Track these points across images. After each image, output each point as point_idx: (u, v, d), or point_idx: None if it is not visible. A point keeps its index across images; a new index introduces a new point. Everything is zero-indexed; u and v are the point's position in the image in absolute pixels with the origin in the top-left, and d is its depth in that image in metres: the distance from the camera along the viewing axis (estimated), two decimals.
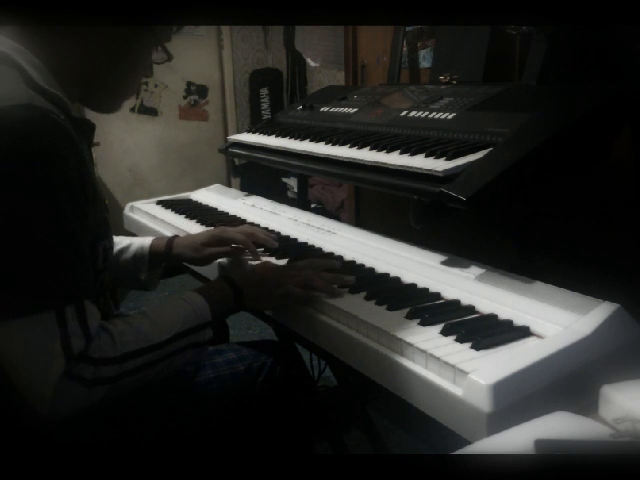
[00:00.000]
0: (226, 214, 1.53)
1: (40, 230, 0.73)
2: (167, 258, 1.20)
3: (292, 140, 1.41)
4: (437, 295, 0.95)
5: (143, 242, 1.20)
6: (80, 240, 0.78)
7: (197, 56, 4.07)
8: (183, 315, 0.87)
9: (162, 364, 0.84)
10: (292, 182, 3.42)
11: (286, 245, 1.23)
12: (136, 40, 0.91)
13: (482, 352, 0.75)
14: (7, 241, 0.71)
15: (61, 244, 0.75)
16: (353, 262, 1.12)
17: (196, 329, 0.88)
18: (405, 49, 1.63)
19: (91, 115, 1.02)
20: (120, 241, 1.19)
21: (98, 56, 0.88)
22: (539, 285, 0.91)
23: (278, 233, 1.32)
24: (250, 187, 3.74)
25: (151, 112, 3.99)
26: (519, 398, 0.67)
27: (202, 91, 4.14)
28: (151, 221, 1.54)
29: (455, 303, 0.91)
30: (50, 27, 0.84)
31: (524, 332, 0.81)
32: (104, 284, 0.97)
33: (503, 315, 0.86)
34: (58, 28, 0.84)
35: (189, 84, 4.09)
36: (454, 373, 0.70)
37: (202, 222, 1.43)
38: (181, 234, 1.31)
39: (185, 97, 4.10)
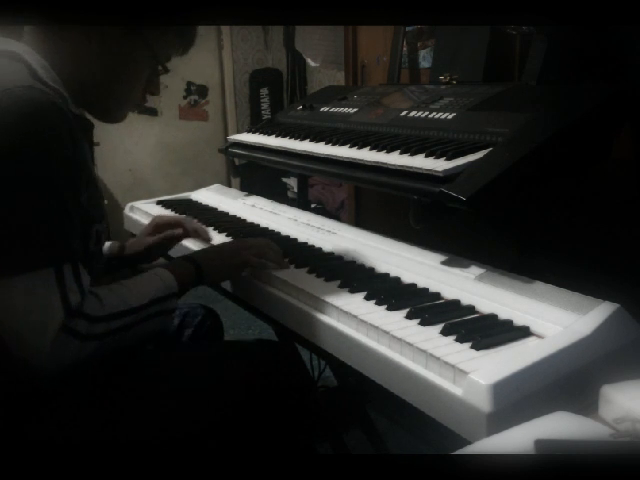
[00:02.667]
0: (226, 214, 1.53)
1: (39, 195, 0.79)
2: (120, 260, 1.27)
3: (292, 140, 1.41)
4: (437, 295, 0.95)
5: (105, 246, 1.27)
6: (72, 209, 0.84)
7: (197, 56, 4.07)
8: (154, 285, 0.95)
9: (137, 328, 0.91)
10: (292, 182, 3.42)
11: (286, 245, 1.23)
12: (135, 52, 0.95)
13: (482, 352, 0.75)
14: (10, 204, 0.78)
15: (57, 209, 0.81)
16: (353, 262, 1.12)
17: (165, 298, 0.95)
18: (405, 49, 1.63)
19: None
20: None
21: (99, 64, 0.93)
22: (539, 285, 0.91)
23: (278, 233, 1.33)
24: (250, 187, 3.74)
25: (151, 112, 3.99)
26: (519, 398, 0.67)
27: (202, 91, 4.14)
28: None
29: (455, 303, 0.91)
30: (58, 32, 0.90)
31: (524, 332, 0.81)
32: (98, 270, 1.02)
33: (503, 315, 0.86)
34: (65, 33, 0.90)
35: (189, 84, 4.09)
36: (454, 373, 0.70)
37: (202, 222, 1.42)
38: None
39: (185, 97, 4.10)
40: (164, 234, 1.29)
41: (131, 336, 0.91)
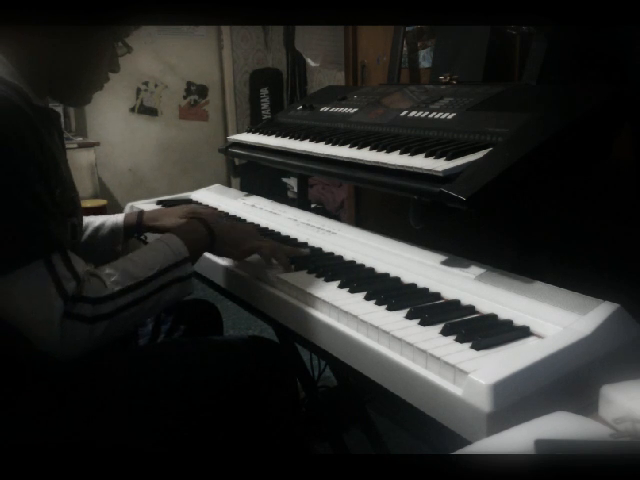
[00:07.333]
0: (226, 214, 1.53)
1: (10, 193, 0.80)
2: (139, 228, 1.32)
3: (292, 140, 1.41)
4: (437, 295, 0.95)
5: (117, 218, 1.33)
6: (47, 201, 0.85)
7: (197, 56, 4.08)
8: (162, 254, 0.95)
9: (153, 298, 0.92)
10: (292, 182, 3.42)
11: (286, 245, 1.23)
12: (94, 36, 0.95)
13: (482, 352, 0.75)
14: None
15: (32, 203, 0.82)
16: (353, 262, 1.12)
17: (176, 265, 0.96)
18: (405, 49, 1.63)
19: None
20: (94, 220, 1.31)
21: (59, 51, 0.93)
22: (539, 285, 0.91)
23: (278, 233, 1.33)
24: (250, 187, 3.75)
25: (151, 112, 3.99)
26: (519, 398, 0.67)
27: (202, 91, 4.15)
28: None
29: (455, 303, 0.91)
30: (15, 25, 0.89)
31: (524, 332, 0.81)
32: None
33: (503, 315, 0.86)
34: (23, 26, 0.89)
35: (189, 84, 4.10)
36: (454, 373, 0.70)
37: None
38: None
39: (185, 97, 4.11)
40: None
41: (150, 307, 0.92)
